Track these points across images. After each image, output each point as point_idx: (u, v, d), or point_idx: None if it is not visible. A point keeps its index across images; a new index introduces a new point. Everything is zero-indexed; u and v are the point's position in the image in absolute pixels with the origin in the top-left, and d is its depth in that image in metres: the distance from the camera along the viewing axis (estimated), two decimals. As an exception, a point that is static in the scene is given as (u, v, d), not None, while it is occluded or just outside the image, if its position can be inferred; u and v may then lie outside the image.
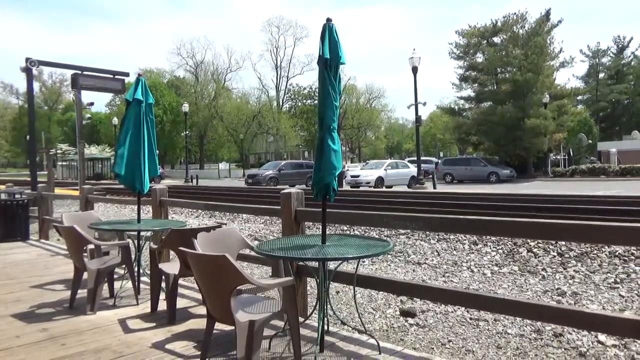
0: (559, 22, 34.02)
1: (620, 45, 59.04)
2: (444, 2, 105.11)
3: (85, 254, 4.55)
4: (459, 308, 4.84)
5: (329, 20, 2.97)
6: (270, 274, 4.10)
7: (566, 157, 37.15)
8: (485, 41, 36.21)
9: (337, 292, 5.66)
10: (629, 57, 59.14)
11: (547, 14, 33.90)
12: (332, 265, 3.75)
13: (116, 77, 11.89)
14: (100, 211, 14.27)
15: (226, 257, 2.50)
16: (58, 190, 15.86)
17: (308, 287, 4.08)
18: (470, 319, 4.68)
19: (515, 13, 34.91)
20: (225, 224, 11.15)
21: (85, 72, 11.29)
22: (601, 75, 59.14)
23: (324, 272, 3.09)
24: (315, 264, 3.32)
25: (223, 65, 65.97)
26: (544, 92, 32.40)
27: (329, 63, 2.95)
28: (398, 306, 5.12)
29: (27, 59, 11.55)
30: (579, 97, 49.13)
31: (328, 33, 2.94)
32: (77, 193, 9.93)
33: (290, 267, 3.66)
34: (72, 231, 4.15)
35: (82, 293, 4.30)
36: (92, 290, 4.10)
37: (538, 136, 31.89)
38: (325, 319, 3.18)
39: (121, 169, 4.70)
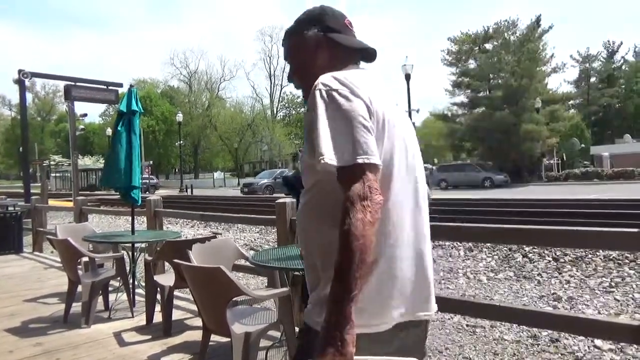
0: (550, 28, 34.43)
1: (610, 50, 59.66)
2: (436, 9, 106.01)
3: (80, 267, 4.53)
4: (455, 314, 4.84)
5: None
6: (266, 284, 4.09)
7: (559, 161, 37.37)
8: (477, 48, 36.55)
9: (334, 301, 5.64)
10: (619, 61, 59.78)
11: (538, 20, 34.30)
12: (327, 274, 3.73)
13: (109, 87, 11.90)
14: (94, 222, 14.19)
15: (221, 269, 2.49)
16: (52, 202, 15.77)
17: (304, 297, 4.07)
18: (467, 325, 4.68)
19: (506, 20, 35.36)
20: (220, 234, 11.12)
21: (78, 84, 11.28)
22: (592, 79, 59.64)
23: (319, 281, 3.08)
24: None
25: (217, 74, 66.10)
26: (536, 97, 32.68)
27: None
28: (395, 314, 5.11)
29: (19, 71, 11.53)
30: (571, 102, 49.54)
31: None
32: (71, 204, 9.88)
33: (286, 277, 3.65)
34: (65, 244, 4.13)
35: (76, 306, 4.27)
36: (86, 303, 4.07)
37: (532, 141, 32.11)
38: (322, 328, 3.17)
39: (119, 181, 4.66)
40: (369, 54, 1.40)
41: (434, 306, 1.31)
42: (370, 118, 1.14)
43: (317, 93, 1.17)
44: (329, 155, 1.09)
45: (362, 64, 1.42)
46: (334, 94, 1.15)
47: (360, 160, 1.08)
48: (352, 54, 1.37)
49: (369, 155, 1.09)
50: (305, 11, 1.42)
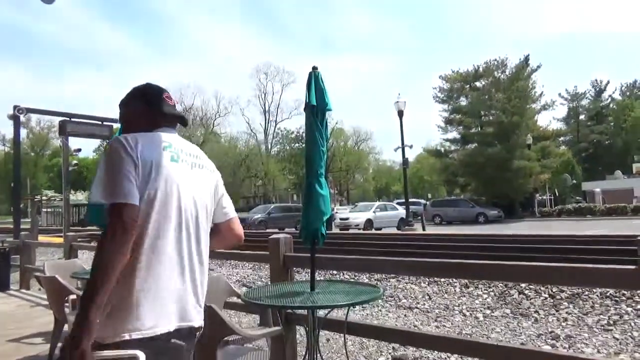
0: (538, 67, 35.30)
1: (598, 89, 61.15)
2: (426, 48, 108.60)
3: (67, 305, 4.41)
4: (452, 354, 4.73)
5: (314, 68, 3.03)
6: (259, 322, 3.99)
7: (552, 197, 37.61)
8: (468, 86, 37.31)
9: (328, 340, 5.51)
10: (607, 99, 61.18)
11: (526, 59, 35.21)
12: (321, 311, 3.66)
13: (104, 123, 11.92)
14: (84, 258, 13.94)
15: (213, 308, 2.43)
16: (42, 238, 15.52)
17: (297, 335, 3.97)
18: (465, 365, 4.56)
19: (495, 59, 36.24)
20: (213, 270, 10.94)
21: (73, 119, 11.29)
22: (581, 117, 60.83)
23: (313, 320, 3.01)
24: (304, 311, 3.24)
25: (212, 110, 66.59)
26: (527, 133, 33.19)
27: (316, 110, 2.99)
28: (390, 353, 4.99)
29: (15, 107, 11.56)
30: (561, 138, 50.32)
31: (314, 81, 2.99)
32: (61, 240, 9.72)
33: (278, 315, 3.56)
34: (53, 281, 4.03)
35: (62, 346, 4.12)
36: (72, 343, 3.93)
37: (524, 177, 32.41)
38: (316, 369, 3.07)
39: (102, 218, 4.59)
40: (183, 120, 1.82)
41: (197, 318, 1.62)
42: (135, 171, 1.51)
43: (105, 149, 1.58)
44: (101, 193, 1.49)
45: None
46: (112, 150, 1.54)
47: (118, 201, 1.45)
48: (166, 120, 1.75)
49: (126, 198, 1.45)
50: (133, 87, 1.81)
